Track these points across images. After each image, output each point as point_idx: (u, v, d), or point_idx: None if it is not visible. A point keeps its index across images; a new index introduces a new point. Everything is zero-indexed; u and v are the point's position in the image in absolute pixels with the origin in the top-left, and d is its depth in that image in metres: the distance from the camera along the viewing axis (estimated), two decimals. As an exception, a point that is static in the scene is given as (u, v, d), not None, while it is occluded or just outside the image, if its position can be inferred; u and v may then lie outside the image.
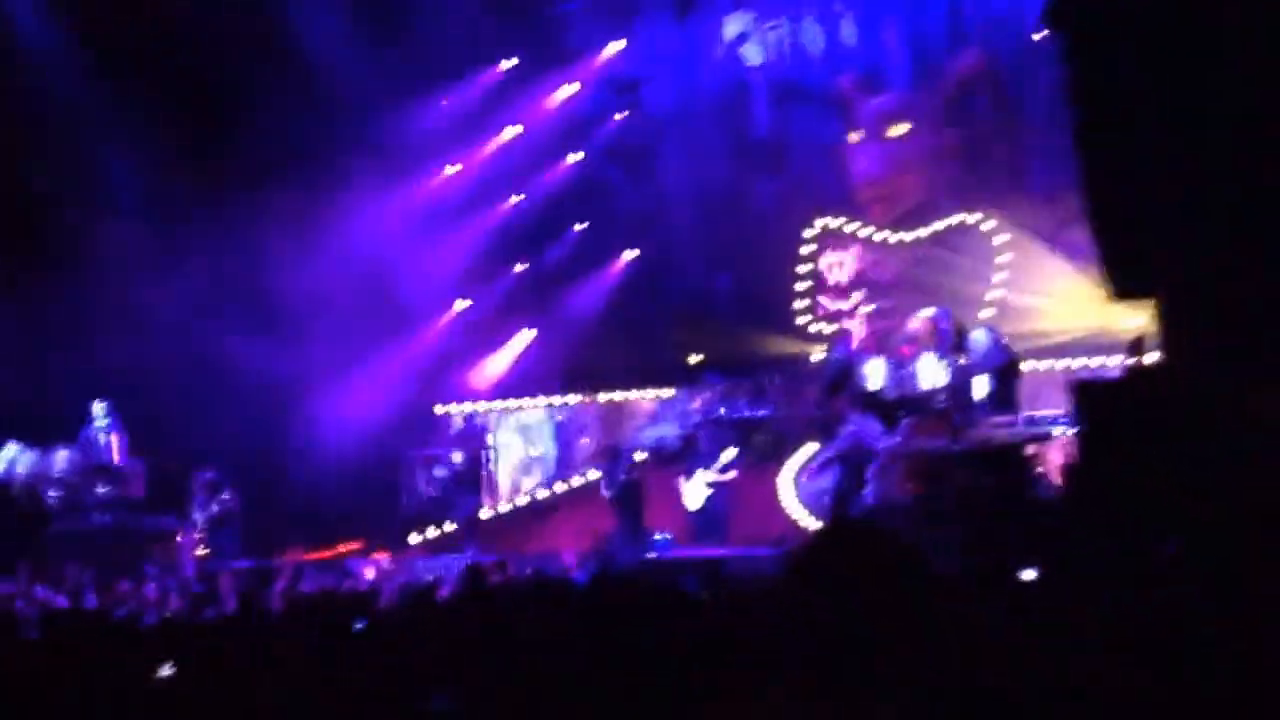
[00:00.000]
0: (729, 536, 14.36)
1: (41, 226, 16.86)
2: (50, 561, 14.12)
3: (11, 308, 15.78)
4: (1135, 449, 6.39)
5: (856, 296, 16.90)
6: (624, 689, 3.44)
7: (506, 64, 18.65)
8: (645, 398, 17.21)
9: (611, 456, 15.05)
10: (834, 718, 2.27)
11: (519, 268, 18.86)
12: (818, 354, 16.18)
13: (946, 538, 9.52)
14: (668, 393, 16.95)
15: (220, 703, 5.08)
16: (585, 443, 17.44)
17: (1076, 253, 13.97)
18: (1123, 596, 3.47)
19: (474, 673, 4.88)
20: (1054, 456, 12.03)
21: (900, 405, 12.59)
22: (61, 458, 15.68)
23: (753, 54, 18.05)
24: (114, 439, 15.80)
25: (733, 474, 14.66)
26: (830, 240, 17.18)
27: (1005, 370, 12.51)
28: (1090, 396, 7.86)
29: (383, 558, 15.20)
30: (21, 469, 15.62)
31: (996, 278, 15.98)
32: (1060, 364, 14.61)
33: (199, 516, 15.74)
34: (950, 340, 12.56)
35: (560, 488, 17.31)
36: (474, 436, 17.78)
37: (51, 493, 15.59)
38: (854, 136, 17.28)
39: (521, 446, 17.89)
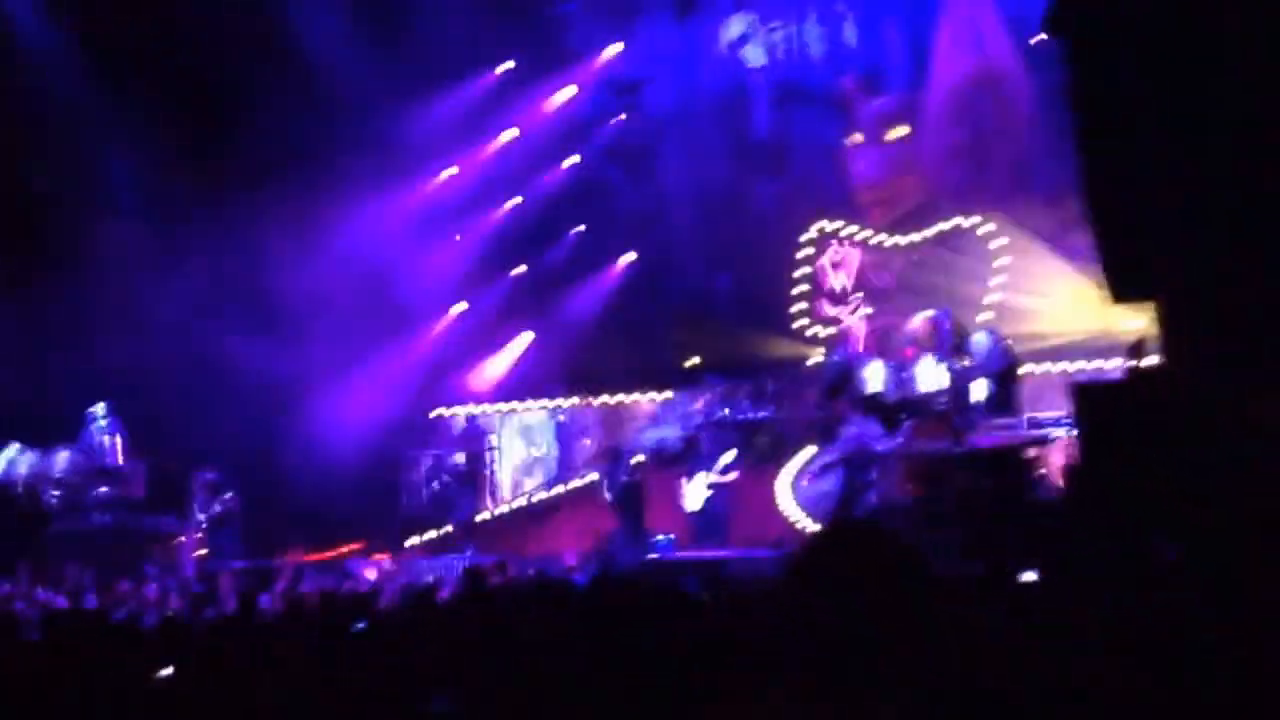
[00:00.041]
0: (729, 538, 14.36)
1: (42, 227, 16.87)
2: (51, 562, 14.13)
3: (12, 308, 15.79)
4: (1135, 452, 6.39)
5: (856, 299, 16.90)
6: (624, 690, 3.44)
7: (506, 65, 18.66)
8: (645, 400, 17.21)
9: (612, 458, 15.06)
10: (834, 719, 2.27)
11: (519, 269, 18.85)
12: (818, 356, 16.19)
13: (946, 539, 9.52)
14: (668, 395, 16.95)
15: (220, 703, 5.09)
16: (586, 444, 17.44)
17: (1077, 255, 13.97)
18: (1123, 599, 3.47)
19: (474, 674, 4.88)
20: (1054, 459, 12.04)
21: (901, 408, 12.60)
22: (62, 458, 15.69)
23: (753, 55, 18.06)
24: (114, 440, 15.81)
25: (733, 476, 14.66)
26: (830, 242, 17.18)
27: (1006, 373, 12.52)
28: (1090, 399, 7.86)
29: (383, 559, 15.22)
30: (22, 469, 15.64)
31: (996, 280, 15.98)
32: (1061, 366, 14.61)
33: (199, 517, 15.74)
34: (950, 342, 12.57)
35: (561, 489, 17.31)
36: (475, 438, 17.78)
37: (52, 493, 15.60)
38: (854, 138, 17.29)
39: (522, 448, 17.90)
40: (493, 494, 17.67)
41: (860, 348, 15.53)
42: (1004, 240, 15.97)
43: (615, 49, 18.65)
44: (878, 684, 2.25)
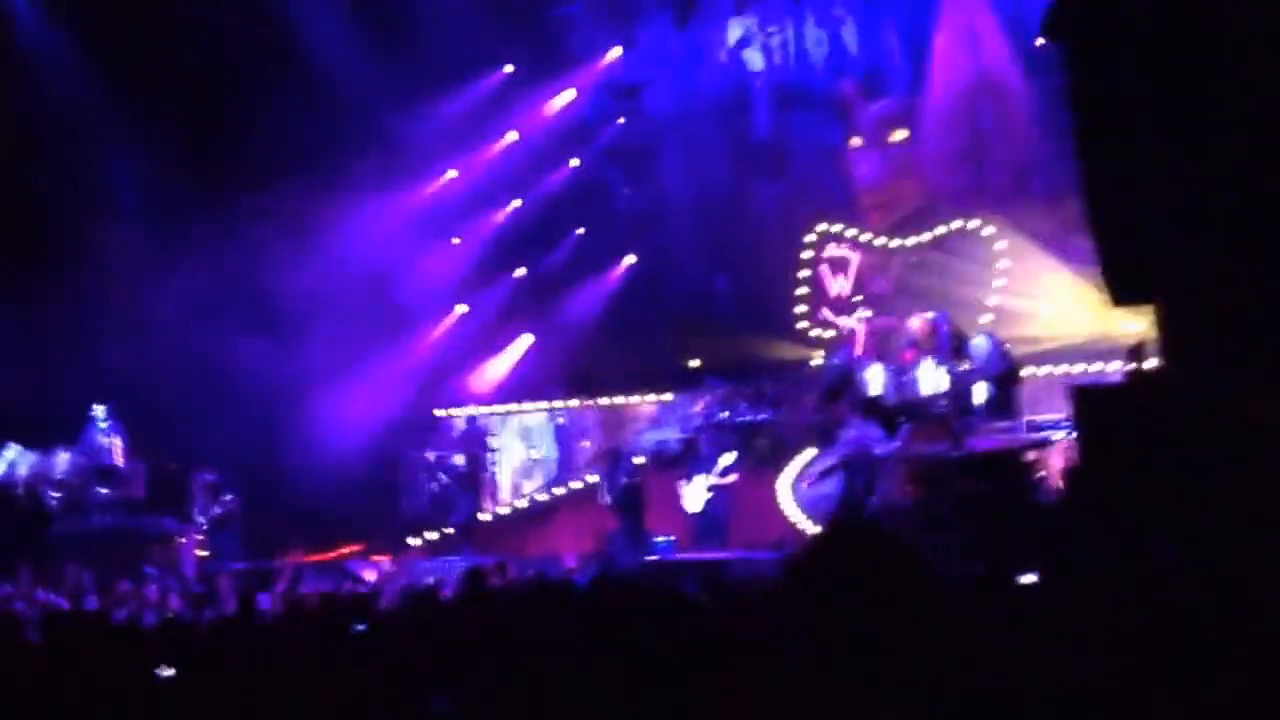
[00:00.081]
0: (729, 540, 14.36)
1: (43, 228, 16.87)
2: (51, 563, 14.13)
3: (13, 309, 15.79)
4: (1135, 454, 6.40)
5: (856, 302, 16.90)
6: (624, 691, 3.45)
7: (507, 68, 18.67)
8: (645, 402, 17.22)
9: (611, 460, 15.06)
10: (834, 719, 2.28)
11: (519, 271, 18.86)
12: (817, 359, 16.19)
13: (946, 542, 9.52)
14: (668, 397, 16.95)
15: (220, 704, 5.09)
16: (586, 446, 17.44)
17: (1076, 259, 13.98)
18: (1122, 600, 3.48)
19: (474, 675, 4.89)
20: (1054, 461, 12.05)
21: (901, 411, 12.61)
22: (63, 459, 15.69)
23: (754, 59, 18.07)
24: (115, 441, 15.81)
25: (733, 478, 14.66)
26: (830, 245, 17.19)
27: (1005, 377, 12.52)
28: (1090, 402, 7.88)
29: (383, 560, 15.22)
30: (23, 470, 15.63)
31: (996, 283, 15.99)
32: (1060, 369, 14.61)
33: (200, 518, 15.75)
34: (950, 344, 12.57)
35: (561, 491, 17.31)
36: (475, 439, 17.79)
37: (52, 494, 15.59)
38: (854, 142, 17.30)
39: (522, 450, 17.90)
40: (493, 495, 17.67)
41: (860, 351, 15.54)
42: (1004, 243, 15.98)
43: (616, 52, 18.66)
44: (878, 684, 2.26)
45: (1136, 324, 12.55)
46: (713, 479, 14.61)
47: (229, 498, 15.75)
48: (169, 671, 5.49)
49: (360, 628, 6.77)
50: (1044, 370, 14.54)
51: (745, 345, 17.01)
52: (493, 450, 17.78)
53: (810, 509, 13.93)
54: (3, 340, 15.64)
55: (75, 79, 17.09)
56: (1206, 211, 6.05)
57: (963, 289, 15.77)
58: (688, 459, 15.27)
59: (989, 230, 16.09)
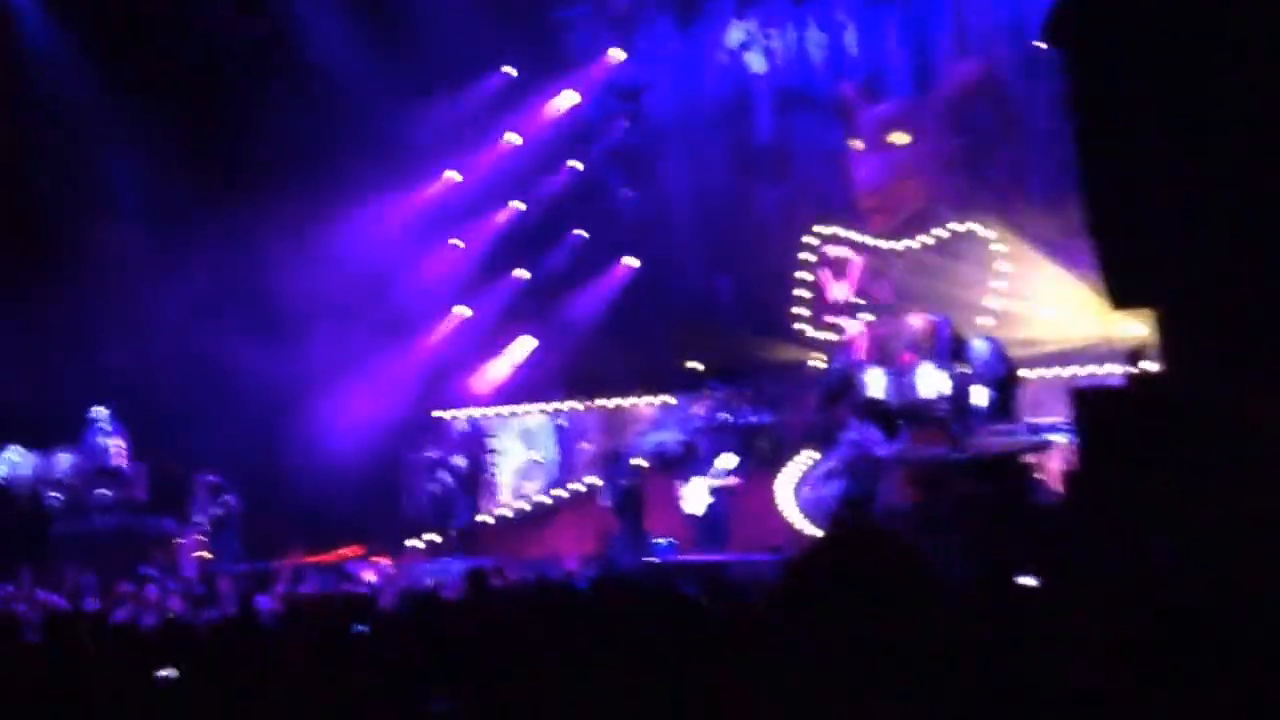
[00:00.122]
0: (729, 542, 14.36)
1: (44, 229, 16.89)
2: (52, 564, 14.15)
3: (14, 310, 15.80)
4: (1135, 456, 6.40)
5: (856, 304, 16.90)
6: (624, 691, 3.46)
7: (509, 70, 18.68)
8: (646, 404, 17.23)
9: (612, 462, 15.07)
10: (834, 719, 2.28)
11: (520, 273, 18.87)
12: (818, 361, 16.19)
13: (946, 545, 9.53)
14: (668, 399, 16.96)
15: (220, 705, 5.10)
16: (586, 448, 17.45)
17: (1076, 262, 13.97)
18: (1122, 601, 3.49)
19: (474, 675, 4.89)
20: (1054, 464, 12.05)
21: (901, 413, 12.61)
22: (63, 460, 15.71)
23: (755, 61, 18.08)
24: (116, 442, 15.83)
25: (733, 480, 14.67)
26: (830, 247, 17.19)
27: (1005, 380, 12.52)
28: (1090, 404, 7.88)
29: (383, 561, 15.22)
30: (24, 471, 15.64)
31: (996, 286, 15.99)
32: (1061, 372, 14.61)
33: (200, 519, 15.76)
34: (949, 346, 12.58)
35: (561, 493, 17.32)
36: (476, 441, 17.80)
37: (53, 495, 15.61)
38: (855, 144, 17.31)
39: (523, 451, 17.91)
40: (493, 497, 17.68)
41: (861, 354, 15.54)
42: (1003, 246, 15.98)
43: (617, 54, 18.68)
44: (878, 684, 2.27)
45: (1136, 327, 12.56)
46: (713, 481, 14.61)
47: (229, 499, 15.76)
48: (169, 672, 5.50)
49: (360, 629, 6.77)
50: (1044, 373, 14.53)
51: (746, 347, 17.02)
52: (493, 452, 17.79)
53: (810, 511, 13.93)
54: (3, 341, 15.66)
55: (76, 79, 17.11)
56: (1206, 214, 6.06)
57: (963, 292, 15.76)
58: (688, 461, 15.28)
59: (989, 233, 16.09)
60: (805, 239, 17.21)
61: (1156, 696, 2.85)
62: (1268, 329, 5.91)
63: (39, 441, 15.77)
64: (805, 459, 14.90)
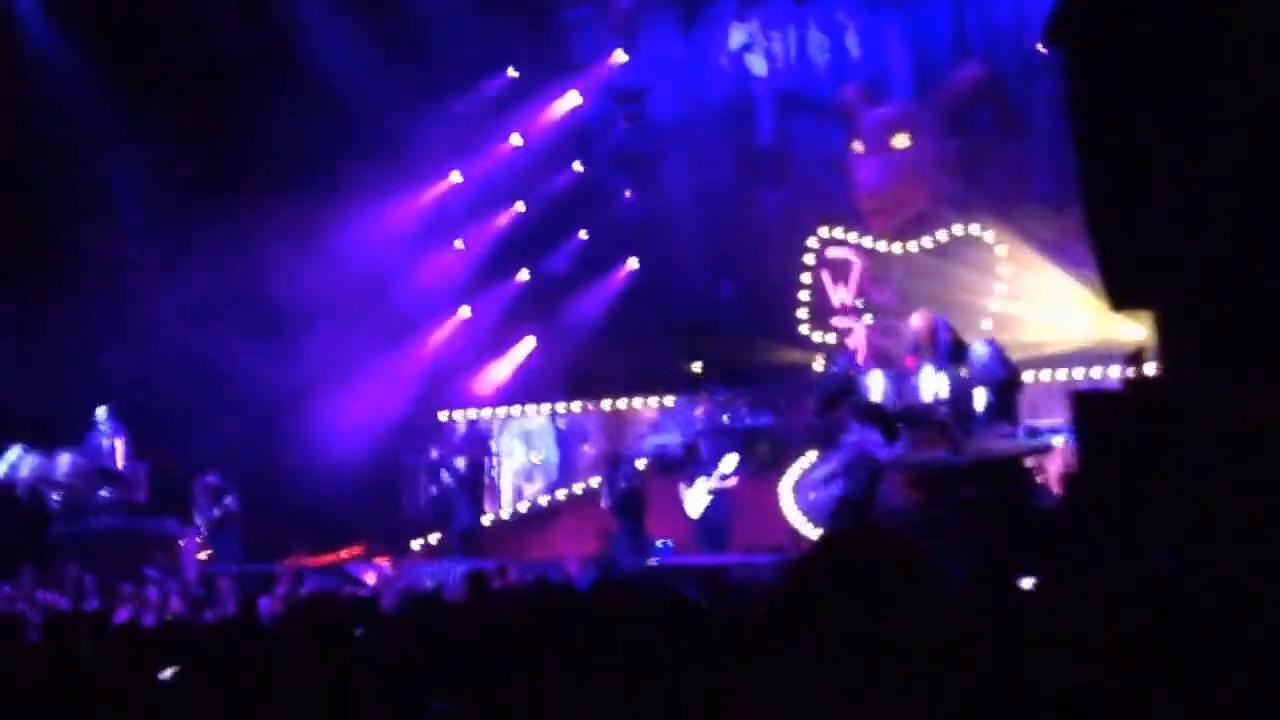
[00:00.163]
0: (730, 544, 14.38)
1: (45, 232, 16.91)
2: (53, 564, 14.16)
3: (15, 312, 15.82)
4: (1134, 459, 6.40)
5: (858, 306, 16.91)
6: (624, 693, 3.46)
7: (511, 72, 18.70)
8: (647, 405, 17.24)
9: (612, 464, 15.08)
10: (834, 719, 2.29)
11: (522, 275, 18.88)
12: (819, 363, 16.20)
13: (945, 547, 9.54)
14: (670, 401, 16.98)
15: (220, 705, 5.10)
16: (587, 450, 17.46)
17: (1077, 263, 13.99)
18: (1122, 603, 3.49)
19: (474, 677, 4.90)
20: (1053, 467, 12.06)
21: (901, 417, 12.60)
22: (65, 461, 15.71)
23: (757, 64, 18.10)
24: (117, 443, 15.83)
25: (734, 482, 14.68)
26: (832, 250, 17.20)
27: (1006, 384, 12.50)
28: (1089, 407, 7.87)
29: (384, 563, 15.23)
30: (24, 472, 15.65)
31: (997, 288, 16.00)
32: (1060, 374, 14.62)
33: (201, 520, 15.77)
34: (949, 349, 12.57)
35: (562, 495, 17.33)
36: (477, 442, 17.81)
37: (54, 496, 15.62)
38: (856, 147, 17.32)
39: (524, 453, 17.92)
40: (494, 498, 17.69)
41: (862, 358, 15.55)
42: (1004, 249, 16.00)
43: (619, 57, 18.69)
44: (878, 684, 2.27)
45: (1136, 329, 12.56)
46: (714, 483, 14.63)
47: (230, 500, 15.77)
48: (169, 673, 5.50)
49: (361, 630, 6.77)
50: (1043, 375, 14.54)
51: (747, 350, 17.03)
52: (494, 453, 17.81)
53: (811, 513, 13.93)
54: (4, 341, 15.67)
55: (77, 82, 17.13)
56: (1207, 217, 6.06)
57: (963, 294, 15.77)
58: (689, 463, 15.29)
59: (990, 236, 16.10)
60: (806, 241, 17.22)
61: (1156, 696, 2.86)
62: (1268, 332, 5.91)
63: (40, 442, 15.77)
64: (805, 461, 14.91)
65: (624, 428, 17.23)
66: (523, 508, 17.59)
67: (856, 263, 17.04)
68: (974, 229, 16.21)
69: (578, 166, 18.88)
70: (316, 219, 16.77)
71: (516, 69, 18.68)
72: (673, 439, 16.09)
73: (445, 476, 16.92)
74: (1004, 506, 11.10)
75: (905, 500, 12.16)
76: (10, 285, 16.15)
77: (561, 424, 17.81)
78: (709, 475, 14.71)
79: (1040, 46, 14.80)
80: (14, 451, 15.72)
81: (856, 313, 16.75)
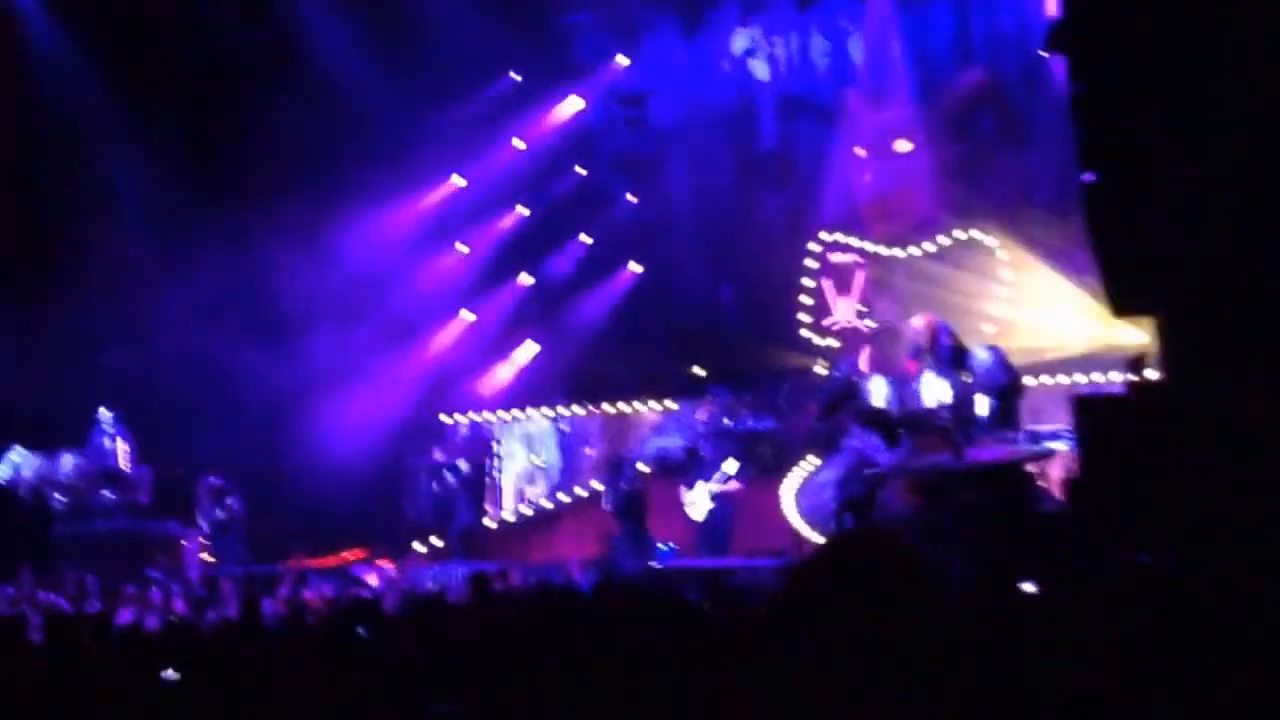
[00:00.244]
0: (731, 547, 14.38)
1: (47, 232, 16.91)
2: (55, 566, 14.17)
3: (17, 312, 15.83)
4: (1136, 464, 6.41)
5: (859, 311, 16.92)
6: (626, 695, 3.47)
7: (514, 75, 18.71)
8: (649, 409, 17.25)
9: (614, 467, 15.08)
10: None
11: (524, 278, 18.89)
12: (821, 368, 16.21)
13: (947, 553, 9.54)
14: (671, 404, 16.98)
15: (223, 707, 5.12)
16: (589, 453, 17.47)
17: (1079, 269, 14.00)
18: (1123, 603, 3.50)
19: (476, 679, 4.91)
20: (1055, 472, 12.06)
21: (903, 422, 12.61)
22: (68, 462, 15.72)
23: (759, 68, 18.11)
24: (120, 444, 15.84)
25: (735, 485, 14.68)
26: (834, 255, 17.20)
27: (1008, 389, 12.50)
28: (1091, 412, 7.89)
29: (386, 565, 15.24)
30: (27, 473, 15.66)
31: (998, 293, 16.01)
32: (1062, 380, 14.62)
33: (204, 522, 15.78)
34: (950, 354, 12.57)
35: (564, 498, 17.34)
36: (479, 445, 17.82)
37: (57, 497, 15.62)
38: (858, 152, 17.34)
39: (526, 456, 17.92)
40: (496, 502, 17.70)
41: (863, 362, 15.56)
42: (1006, 254, 16.01)
43: (622, 61, 18.70)
44: (878, 686, 2.28)
45: (1137, 334, 12.58)
46: (715, 486, 14.63)
47: (232, 502, 15.78)
48: (172, 674, 5.52)
49: (363, 632, 6.79)
50: (1045, 381, 14.54)
51: (749, 354, 17.04)
52: (496, 456, 17.81)
53: (812, 517, 13.94)
54: (6, 342, 15.68)
55: (79, 81, 17.15)
56: (1208, 223, 6.07)
57: (965, 300, 15.78)
58: (691, 466, 15.29)
59: (992, 241, 16.11)
60: (808, 246, 17.23)
61: (1157, 697, 2.87)
62: (1268, 333, 5.93)
63: (42, 443, 15.78)
64: (807, 465, 14.92)
65: (626, 431, 17.24)
66: (525, 510, 17.59)
67: (858, 267, 17.04)
68: (976, 234, 16.23)
69: (580, 170, 18.89)
70: (319, 220, 16.78)
71: (519, 72, 18.69)
72: (674, 442, 16.09)
73: (448, 478, 16.93)
74: (1005, 511, 11.10)
75: (906, 505, 12.16)
76: (11, 284, 16.16)
77: (564, 427, 17.82)
78: (710, 478, 14.71)
79: (1043, 52, 14.80)
80: (17, 452, 15.73)
81: (858, 317, 16.76)
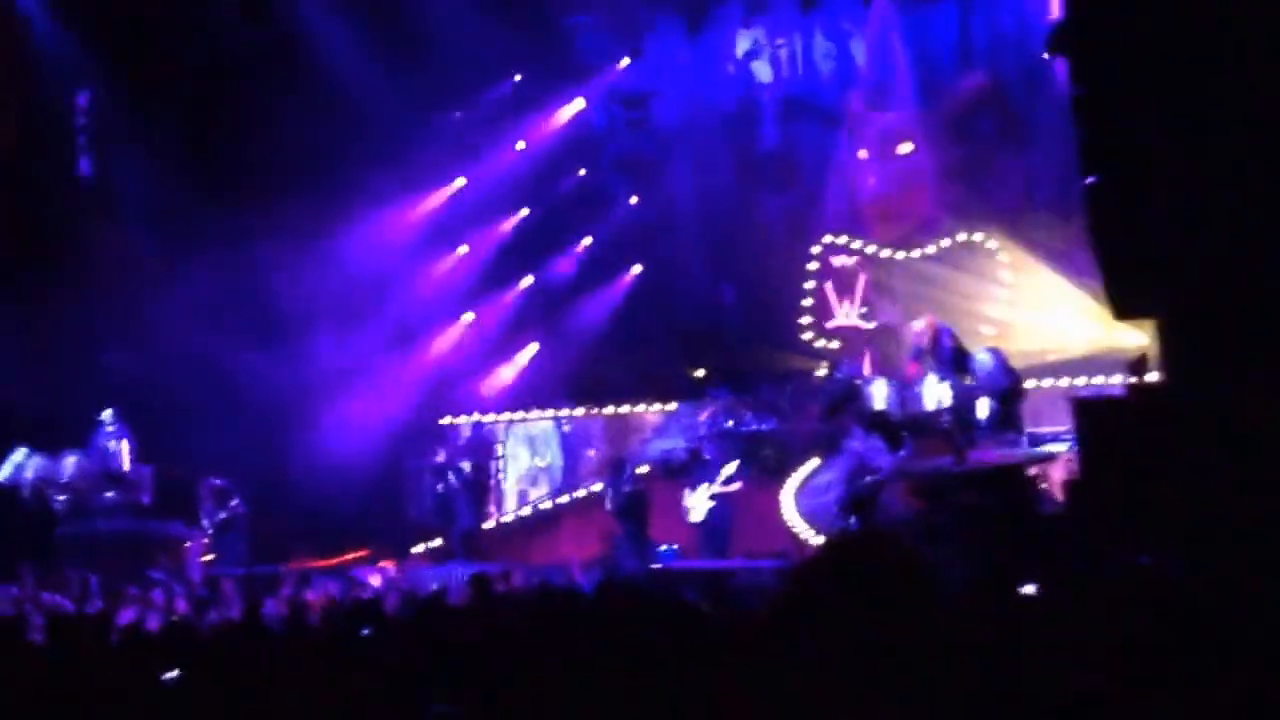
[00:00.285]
0: (732, 548, 14.39)
1: (49, 233, 16.91)
2: (58, 566, 14.16)
3: (19, 313, 15.82)
4: (1136, 466, 6.42)
5: (861, 313, 16.93)
6: (627, 696, 3.48)
7: (516, 77, 18.72)
8: (651, 410, 17.25)
9: (616, 468, 15.09)
10: (835, 721, 2.31)
11: (527, 280, 18.90)
12: (822, 369, 16.22)
13: (948, 555, 9.54)
14: (673, 406, 16.99)
15: (224, 708, 5.12)
16: (591, 454, 17.47)
17: (1080, 271, 14.01)
18: (1123, 604, 3.50)
19: (477, 680, 4.91)
20: (1056, 474, 12.07)
21: (905, 425, 12.62)
22: (70, 463, 15.70)
23: (762, 70, 18.13)
24: (123, 445, 15.84)
25: (736, 486, 14.69)
26: (835, 257, 17.22)
27: (1009, 392, 12.51)
28: (1092, 414, 7.89)
29: (388, 566, 15.24)
30: (30, 474, 15.65)
31: (999, 295, 16.02)
32: (1063, 382, 14.63)
33: (207, 523, 15.78)
34: (951, 356, 12.58)
35: (566, 499, 17.35)
36: (481, 447, 17.82)
37: (59, 497, 15.62)
38: (860, 154, 17.35)
39: (528, 457, 17.93)
40: (498, 503, 17.70)
41: (865, 364, 15.57)
42: (1007, 256, 16.01)
43: (625, 63, 18.71)
44: (878, 688, 2.28)
45: (1138, 337, 12.58)
46: (716, 488, 14.64)
47: (235, 503, 15.78)
48: (173, 675, 5.52)
49: (365, 633, 6.80)
50: (1046, 383, 14.55)
51: (751, 355, 17.06)
52: (498, 458, 17.82)
53: (813, 519, 13.94)
54: (8, 343, 15.67)
55: (81, 81, 17.16)
56: (1208, 224, 6.08)
57: (966, 302, 15.80)
58: (692, 468, 15.30)
59: (993, 243, 16.12)
60: (809, 248, 17.24)
61: (1157, 698, 2.87)
62: (1268, 337, 5.93)
63: (44, 444, 15.77)
64: (808, 467, 14.92)
65: (628, 432, 17.24)
66: (527, 512, 17.59)
67: (860, 269, 17.05)
68: (977, 236, 16.24)
69: (582, 172, 18.89)
70: (321, 220, 16.78)
71: (522, 74, 18.70)
72: (676, 444, 16.10)
73: (451, 479, 16.93)
74: (1006, 514, 11.11)
75: (908, 507, 12.18)
76: (12, 284, 16.15)
77: (566, 428, 17.82)
78: (712, 480, 14.72)
79: (1045, 54, 14.82)
80: (19, 453, 15.72)
81: (860, 319, 16.77)
